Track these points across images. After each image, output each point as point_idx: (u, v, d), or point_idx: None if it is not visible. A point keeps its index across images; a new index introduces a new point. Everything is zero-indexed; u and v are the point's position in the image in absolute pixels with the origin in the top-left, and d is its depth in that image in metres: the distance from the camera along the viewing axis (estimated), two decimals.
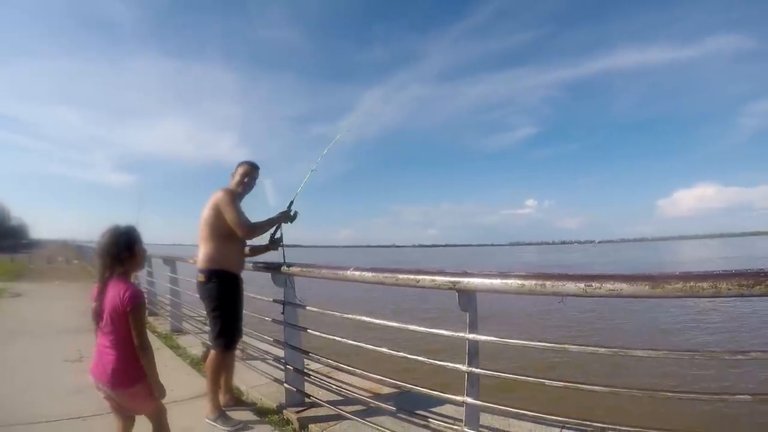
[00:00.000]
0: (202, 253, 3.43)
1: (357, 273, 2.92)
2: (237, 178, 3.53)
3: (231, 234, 3.37)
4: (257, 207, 3.56)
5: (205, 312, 3.64)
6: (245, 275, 3.65)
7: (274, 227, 3.63)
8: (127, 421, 2.49)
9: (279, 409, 3.51)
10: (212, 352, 3.47)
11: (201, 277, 3.43)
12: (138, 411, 2.47)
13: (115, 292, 2.25)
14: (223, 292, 3.39)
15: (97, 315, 2.31)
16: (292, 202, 3.70)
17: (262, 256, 3.81)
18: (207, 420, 3.30)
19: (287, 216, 3.63)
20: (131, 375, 2.29)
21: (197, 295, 3.65)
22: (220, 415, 3.32)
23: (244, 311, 3.64)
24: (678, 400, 2.12)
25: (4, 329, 6.82)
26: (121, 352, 2.27)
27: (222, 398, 3.56)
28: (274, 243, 3.67)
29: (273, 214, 3.65)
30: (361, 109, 4.10)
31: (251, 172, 3.57)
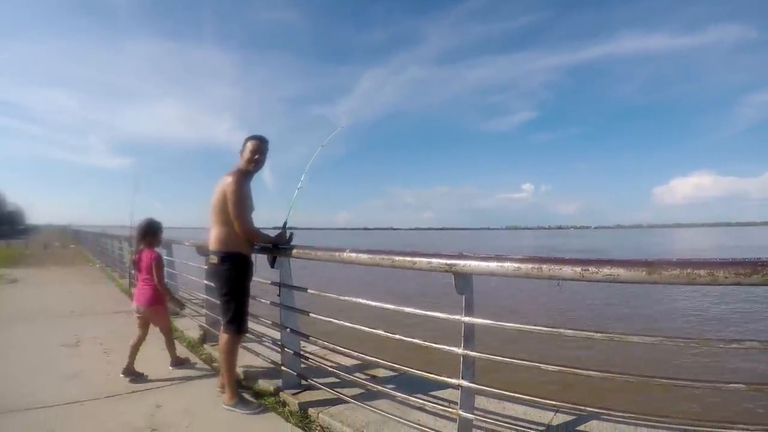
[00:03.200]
0: (214, 235, 3.36)
1: (353, 255, 2.91)
2: (247, 155, 3.38)
3: None
4: (255, 190, 3.49)
5: (216, 295, 3.56)
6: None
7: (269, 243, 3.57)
8: (144, 331, 4.23)
9: (276, 392, 3.54)
10: (224, 335, 3.38)
11: (214, 259, 3.37)
12: (157, 323, 4.36)
13: (146, 255, 4.29)
14: (236, 275, 3.35)
15: (136, 267, 4.35)
16: (285, 223, 3.67)
17: None
18: (225, 406, 3.27)
19: (284, 240, 3.55)
20: (156, 299, 4.26)
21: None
22: (239, 399, 3.30)
23: None
24: (673, 387, 2.14)
25: (0, 315, 6.83)
26: (150, 286, 4.24)
27: (219, 380, 3.58)
28: (282, 242, 3.57)
29: (272, 197, 3.63)
30: (341, 122, 4.10)
31: (260, 147, 3.40)
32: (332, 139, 4.00)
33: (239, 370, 4.03)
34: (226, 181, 3.27)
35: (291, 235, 3.59)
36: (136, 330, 4.17)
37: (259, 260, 3.68)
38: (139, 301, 4.22)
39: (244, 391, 3.59)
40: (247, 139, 3.43)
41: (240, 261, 3.37)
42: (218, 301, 3.52)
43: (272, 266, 3.67)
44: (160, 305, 4.30)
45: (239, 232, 3.28)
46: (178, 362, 4.34)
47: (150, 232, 4.36)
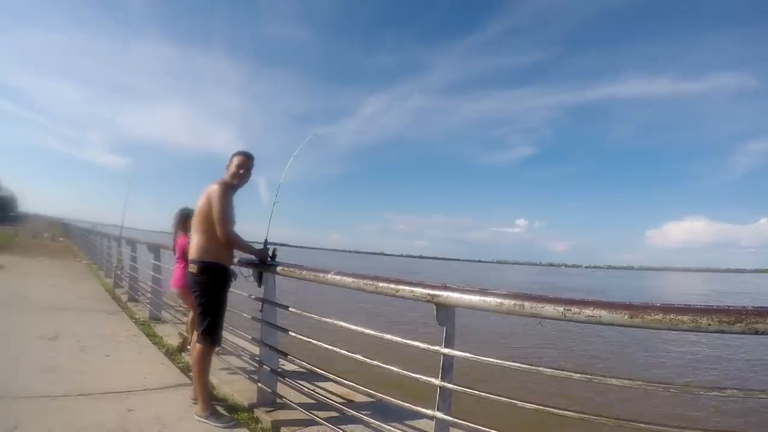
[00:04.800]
0: (194, 243, 3.33)
1: (338, 277, 2.89)
2: (232, 169, 3.39)
3: None
4: (249, 202, 3.48)
5: (194, 305, 3.50)
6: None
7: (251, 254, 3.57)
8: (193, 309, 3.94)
9: (250, 408, 3.47)
10: (197, 346, 3.31)
11: (192, 268, 3.32)
12: (186, 303, 4.75)
13: (181, 239, 4.67)
14: (213, 286, 3.30)
15: (174, 250, 4.85)
16: (266, 240, 3.63)
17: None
18: (197, 418, 3.18)
19: (266, 256, 3.55)
20: (183, 281, 4.27)
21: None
22: (212, 412, 3.22)
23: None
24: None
25: None
26: (180, 268, 4.62)
27: (192, 391, 3.50)
28: (263, 257, 3.57)
29: (264, 211, 3.64)
30: (317, 131, 4.11)
31: (246, 162, 3.43)
32: (303, 148, 3.94)
33: (214, 382, 3.96)
34: (212, 188, 3.28)
35: (274, 251, 3.56)
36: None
37: (245, 275, 3.66)
38: (174, 283, 4.75)
39: (218, 403, 3.52)
40: (234, 155, 3.45)
41: (219, 272, 3.33)
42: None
43: (259, 284, 3.66)
44: (186, 287, 4.23)
45: (221, 236, 3.25)
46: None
47: (184, 219, 4.64)
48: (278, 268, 3.44)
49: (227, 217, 3.26)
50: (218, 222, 3.23)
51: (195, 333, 3.42)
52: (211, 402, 3.33)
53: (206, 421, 3.15)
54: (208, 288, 3.29)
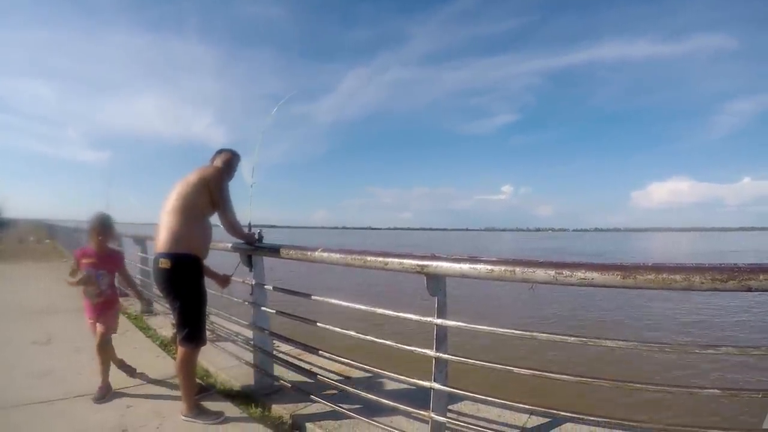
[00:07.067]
0: (169, 232, 2.92)
1: (325, 254, 2.85)
2: (220, 166, 3.21)
3: (206, 215, 3.08)
4: (233, 184, 3.35)
5: (169, 305, 3.17)
6: (216, 255, 3.48)
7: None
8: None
9: (247, 392, 3.46)
10: (181, 350, 3.02)
11: (165, 263, 2.90)
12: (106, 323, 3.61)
13: (91, 251, 3.64)
14: (190, 282, 2.99)
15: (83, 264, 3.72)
16: (250, 223, 3.54)
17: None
18: (184, 418, 3.02)
19: (253, 239, 3.42)
20: None
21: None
22: (199, 411, 3.05)
23: (213, 291, 3.47)
24: (647, 392, 2.12)
25: None
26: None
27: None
28: (251, 241, 3.44)
29: (249, 192, 3.56)
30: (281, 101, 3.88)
31: (234, 161, 3.31)
32: (270, 123, 3.83)
33: (210, 370, 3.95)
34: (209, 173, 3.07)
35: (260, 233, 3.45)
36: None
37: (233, 257, 3.60)
38: (89, 314, 3.91)
39: (216, 391, 3.51)
40: (221, 151, 3.32)
41: (193, 265, 3.00)
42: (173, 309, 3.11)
43: (249, 267, 3.56)
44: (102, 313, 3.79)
45: (226, 223, 3.13)
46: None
47: (102, 228, 3.64)
48: (265, 250, 3.38)
49: (231, 204, 3.13)
50: (224, 209, 3.07)
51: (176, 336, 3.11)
52: (197, 401, 3.14)
53: (194, 420, 3.00)
54: (187, 285, 2.98)
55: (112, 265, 3.73)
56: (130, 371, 3.85)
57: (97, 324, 3.56)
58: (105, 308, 3.61)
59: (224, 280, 3.55)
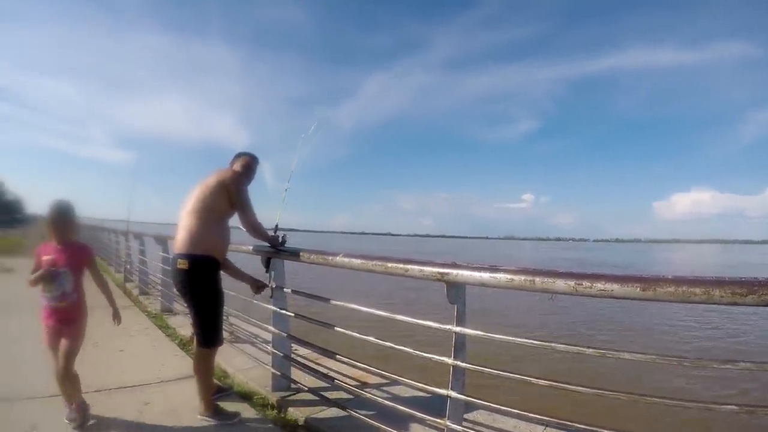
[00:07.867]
0: (187, 234, 2.99)
1: (346, 259, 2.89)
2: (239, 170, 3.28)
3: (225, 218, 3.16)
4: (253, 187, 3.40)
5: (186, 305, 3.24)
6: (236, 257, 3.55)
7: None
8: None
9: (264, 394, 3.50)
10: (199, 351, 3.12)
11: (182, 264, 2.96)
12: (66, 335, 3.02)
13: (50, 248, 3.01)
14: (207, 283, 3.04)
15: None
16: (277, 225, 3.56)
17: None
18: (200, 417, 3.08)
19: (277, 242, 3.43)
20: None
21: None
22: (216, 411, 3.11)
23: (233, 293, 3.54)
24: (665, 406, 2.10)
25: None
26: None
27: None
28: (275, 244, 3.44)
29: (270, 197, 3.57)
30: (318, 116, 3.81)
31: (253, 164, 3.38)
32: (313, 134, 3.79)
33: (229, 370, 4.00)
34: (227, 176, 3.13)
35: (284, 236, 3.49)
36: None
37: (253, 261, 3.65)
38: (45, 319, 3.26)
39: (232, 392, 3.56)
40: (240, 155, 3.39)
41: (212, 266, 3.06)
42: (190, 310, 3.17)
43: (267, 269, 3.60)
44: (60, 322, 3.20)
45: (247, 225, 3.17)
46: None
47: (62, 219, 3.02)
48: (286, 253, 3.42)
49: (251, 206, 3.18)
50: (243, 211, 3.13)
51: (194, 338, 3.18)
52: (214, 400, 3.21)
53: (211, 419, 3.06)
54: (204, 286, 3.03)
55: (77, 262, 3.05)
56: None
57: (61, 340, 2.96)
58: (69, 318, 3.01)
59: (259, 287, 3.45)
